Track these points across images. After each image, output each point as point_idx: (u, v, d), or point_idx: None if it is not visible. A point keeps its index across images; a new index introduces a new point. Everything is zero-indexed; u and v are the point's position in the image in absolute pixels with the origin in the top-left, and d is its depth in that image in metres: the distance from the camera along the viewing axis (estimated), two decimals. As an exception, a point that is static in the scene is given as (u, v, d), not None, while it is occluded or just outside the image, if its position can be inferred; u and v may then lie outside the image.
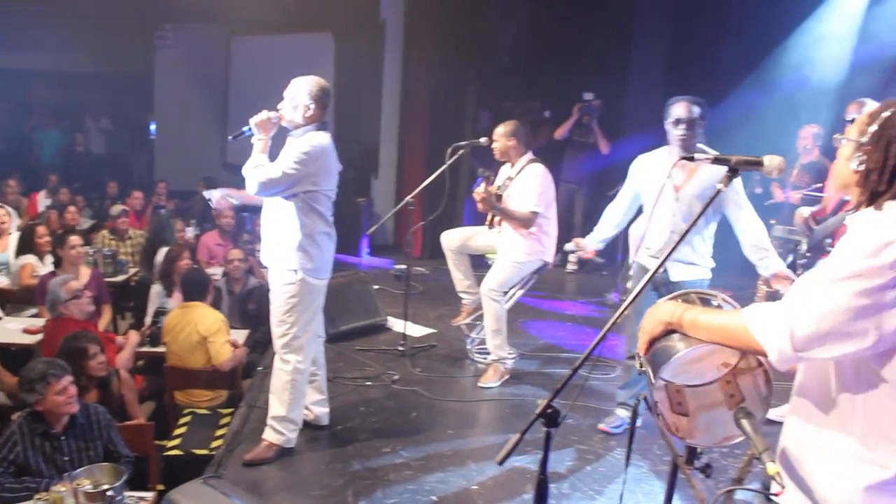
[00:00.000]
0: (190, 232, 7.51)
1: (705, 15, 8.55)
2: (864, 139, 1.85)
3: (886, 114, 1.84)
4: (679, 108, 4.02)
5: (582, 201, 8.59)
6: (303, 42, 10.64)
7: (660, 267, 2.17)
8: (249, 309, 5.80)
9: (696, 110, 4.01)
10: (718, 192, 2.18)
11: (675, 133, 4.03)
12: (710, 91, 7.85)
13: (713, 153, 2.40)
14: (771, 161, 2.22)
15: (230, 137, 4.04)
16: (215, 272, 6.28)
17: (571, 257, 8.69)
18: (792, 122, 7.35)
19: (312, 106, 3.90)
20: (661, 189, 4.05)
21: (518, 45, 9.23)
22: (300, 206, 3.88)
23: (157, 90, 12.71)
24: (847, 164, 1.89)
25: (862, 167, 1.84)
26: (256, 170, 3.80)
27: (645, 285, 2.17)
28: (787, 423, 1.93)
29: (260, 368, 5.12)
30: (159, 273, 6.03)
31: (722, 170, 2.22)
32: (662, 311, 1.99)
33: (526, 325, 6.57)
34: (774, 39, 8.36)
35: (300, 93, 3.91)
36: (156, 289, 5.90)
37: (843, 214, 4.77)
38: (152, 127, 13.26)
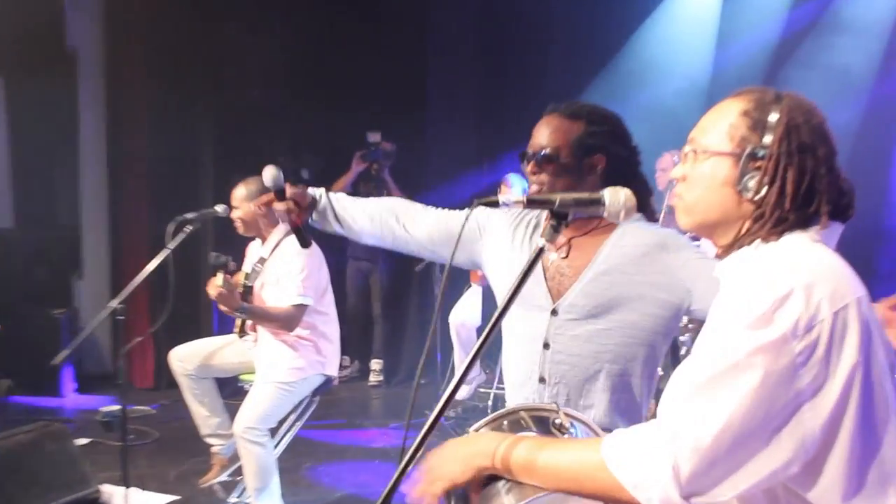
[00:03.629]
0: None
1: (520, 31, 9.06)
2: (761, 151, 1.90)
3: (776, 116, 1.90)
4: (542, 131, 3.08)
5: (380, 284, 8.75)
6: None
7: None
8: None
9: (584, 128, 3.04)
10: (541, 249, 2.19)
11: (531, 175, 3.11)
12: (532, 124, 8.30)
13: (519, 196, 2.32)
14: (615, 196, 2.24)
15: None
16: None
17: (374, 364, 8.83)
18: (646, 151, 7.63)
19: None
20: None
21: (271, 75, 9.26)
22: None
23: None
24: (725, 191, 1.93)
25: (764, 191, 1.88)
26: None
27: None
28: None
29: None
30: None
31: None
32: (476, 448, 2.03)
33: (315, 472, 6.50)
34: (608, 52, 8.91)
35: None
36: None
37: None
38: None
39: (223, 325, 8.15)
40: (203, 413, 5.72)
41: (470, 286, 7.88)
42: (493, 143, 9.09)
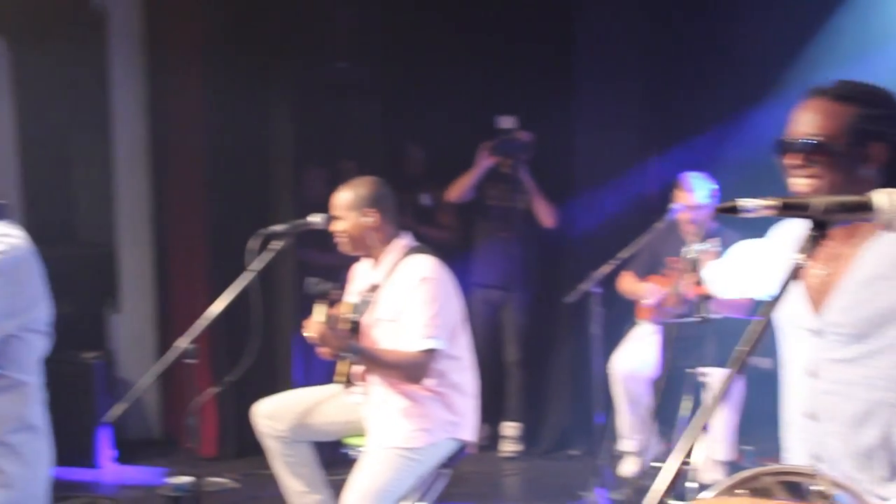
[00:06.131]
0: None
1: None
2: None
3: None
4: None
5: (516, 320, 8.74)
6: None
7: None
8: None
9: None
10: (798, 266, 2.44)
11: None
12: (713, 113, 8.29)
13: (769, 200, 2.50)
14: (893, 202, 2.42)
15: None
16: None
17: (509, 428, 8.78)
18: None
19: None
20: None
21: (365, 42, 9.41)
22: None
23: None
24: None
25: None
26: None
27: None
28: None
29: None
30: None
31: None
32: None
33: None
34: (811, 29, 8.62)
35: None
36: None
37: None
38: None
39: (308, 374, 8.35)
40: (299, 488, 5.72)
41: (634, 325, 7.89)
42: (663, 132, 8.96)
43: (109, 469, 8.54)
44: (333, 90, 9.33)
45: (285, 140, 8.99)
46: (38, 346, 4.00)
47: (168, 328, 9.21)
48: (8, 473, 3.88)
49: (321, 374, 7.38)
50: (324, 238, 7.23)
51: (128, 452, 8.82)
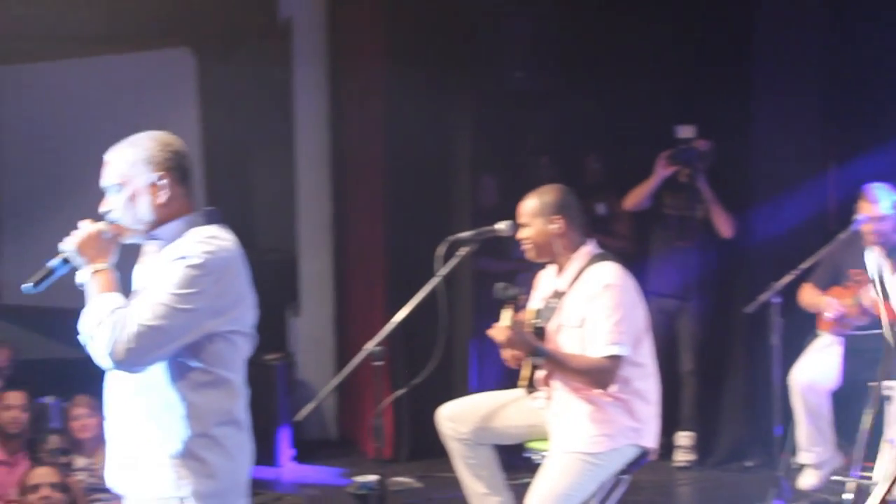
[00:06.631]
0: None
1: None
2: None
3: None
4: None
5: (691, 328, 8.67)
6: (131, 67, 10.38)
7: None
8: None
9: None
10: None
11: None
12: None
13: None
14: None
15: (30, 286, 3.87)
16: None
17: (682, 437, 8.70)
18: None
19: (165, 182, 3.78)
20: None
21: (541, 51, 9.41)
22: (187, 373, 3.82)
23: None
24: None
25: None
26: (118, 323, 3.61)
27: None
28: None
29: None
30: None
31: None
32: None
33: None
34: None
35: (132, 169, 3.78)
36: None
37: None
38: None
39: (483, 379, 8.40)
40: (480, 490, 5.71)
41: (815, 336, 7.67)
42: (844, 141, 8.80)
43: (288, 468, 8.71)
44: (512, 100, 9.40)
45: (464, 149, 9.04)
46: (243, 346, 3.99)
47: (346, 331, 9.47)
48: (212, 464, 3.87)
49: (496, 379, 7.46)
50: (497, 245, 7.32)
51: (304, 452, 8.99)
